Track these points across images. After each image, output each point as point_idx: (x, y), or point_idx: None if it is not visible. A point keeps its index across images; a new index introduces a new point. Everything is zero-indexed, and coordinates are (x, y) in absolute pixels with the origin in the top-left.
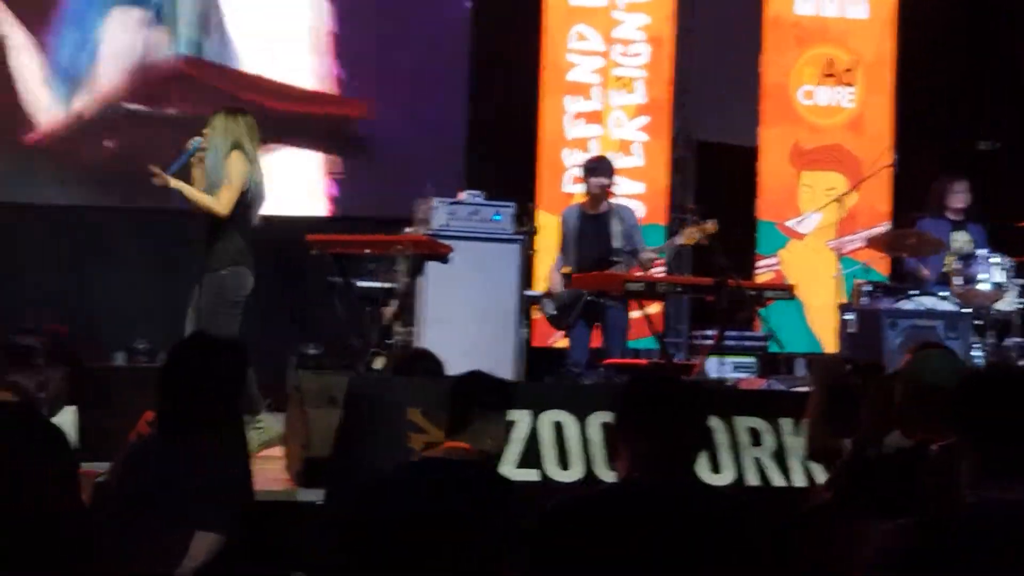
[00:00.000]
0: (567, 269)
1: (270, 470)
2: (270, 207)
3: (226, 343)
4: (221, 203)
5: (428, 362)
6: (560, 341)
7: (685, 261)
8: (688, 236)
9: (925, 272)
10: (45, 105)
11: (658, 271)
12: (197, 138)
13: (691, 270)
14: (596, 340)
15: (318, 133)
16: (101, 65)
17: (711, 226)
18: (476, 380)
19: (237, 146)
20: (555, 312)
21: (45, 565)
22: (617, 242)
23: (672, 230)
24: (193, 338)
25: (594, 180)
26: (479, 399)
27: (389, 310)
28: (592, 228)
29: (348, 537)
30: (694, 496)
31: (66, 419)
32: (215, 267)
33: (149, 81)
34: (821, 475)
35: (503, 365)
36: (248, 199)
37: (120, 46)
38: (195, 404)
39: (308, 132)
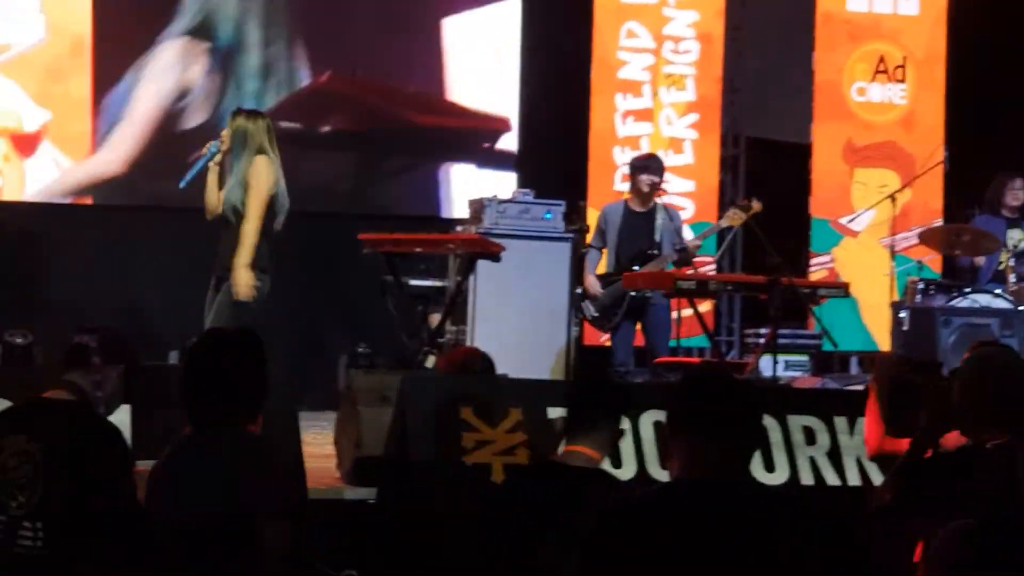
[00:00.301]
0: (602, 268)
1: (321, 469)
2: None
3: (240, 335)
4: (253, 218)
5: (480, 360)
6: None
7: (737, 259)
8: (732, 217)
9: (979, 260)
10: None
11: (708, 269)
12: (215, 142)
13: (743, 268)
14: (641, 338)
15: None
16: None
17: (756, 205)
18: (603, 384)
19: (261, 150)
20: (597, 314)
21: (102, 563)
22: (660, 238)
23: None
24: (208, 334)
25: (644, 177)
26: (606, 404)
27: (435, 317)
28: (637, 225)
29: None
30: (751, 496)
31: (122, 418)
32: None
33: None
34: (876, 474)
35: (554, 363)
36: (275, 206)
37: None
38: (219, 398)
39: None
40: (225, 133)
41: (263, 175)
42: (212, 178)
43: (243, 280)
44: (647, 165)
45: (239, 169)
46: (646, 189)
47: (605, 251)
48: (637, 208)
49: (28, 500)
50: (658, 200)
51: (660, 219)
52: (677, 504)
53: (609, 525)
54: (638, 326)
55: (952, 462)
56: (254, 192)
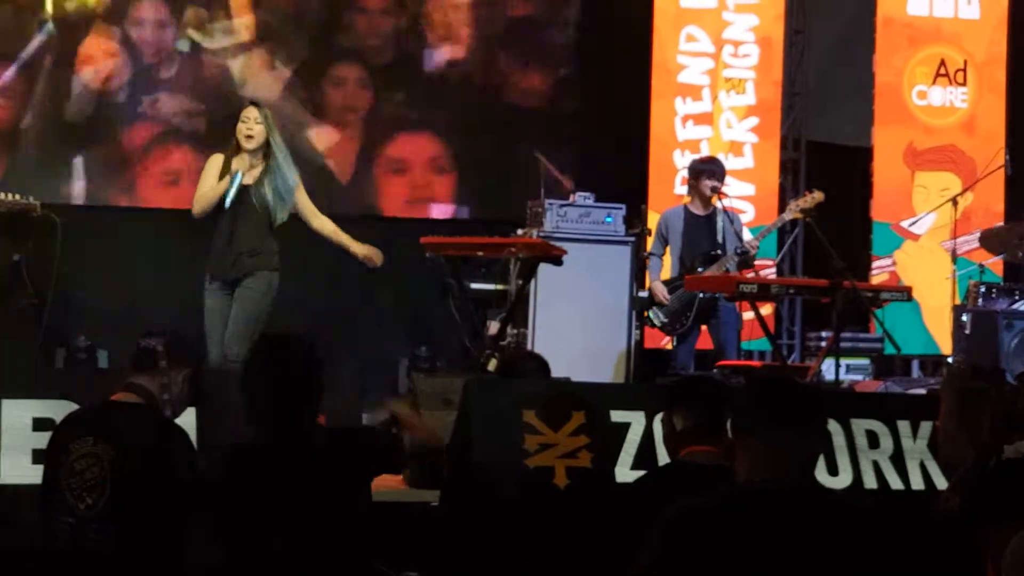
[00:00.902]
0: (664, 274)
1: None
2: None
3: (298, 338)
4: (320, 215)
5: (533, 362)
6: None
7: (798, 262)
8: (793, 210)
9: None
10: None
11: (769, 272)
12: (238, 171)
13: (804, 272)
14: (702, 341)
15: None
16: None
17: (818, 195)
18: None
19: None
20: (666, 320)
21: (167, 564)
22: (722, 240)
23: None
24: (270, 339)
25: (707, 182)
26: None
27: (495, 325)
28: (699, 228)
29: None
30: (819, 500)
31: (188, 420)
32: (271, 267)
33: None
34: (940, 478)
35: (615, 367)
36: None
37: None
38: (290, 400)
39: None
40: (253, 120)
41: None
42: (212, 172)
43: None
44: (710, 169)
45: (280, 168)
46: (708, 193)
47: (665, 257)
48: (698, 211)
49: (96, 502)
50: (718, 203)
51: (721, 221)
52: (746, 508)
53: (677, 528)
54: (702, 328)
55: (1017, 469)
56: (299, 183)
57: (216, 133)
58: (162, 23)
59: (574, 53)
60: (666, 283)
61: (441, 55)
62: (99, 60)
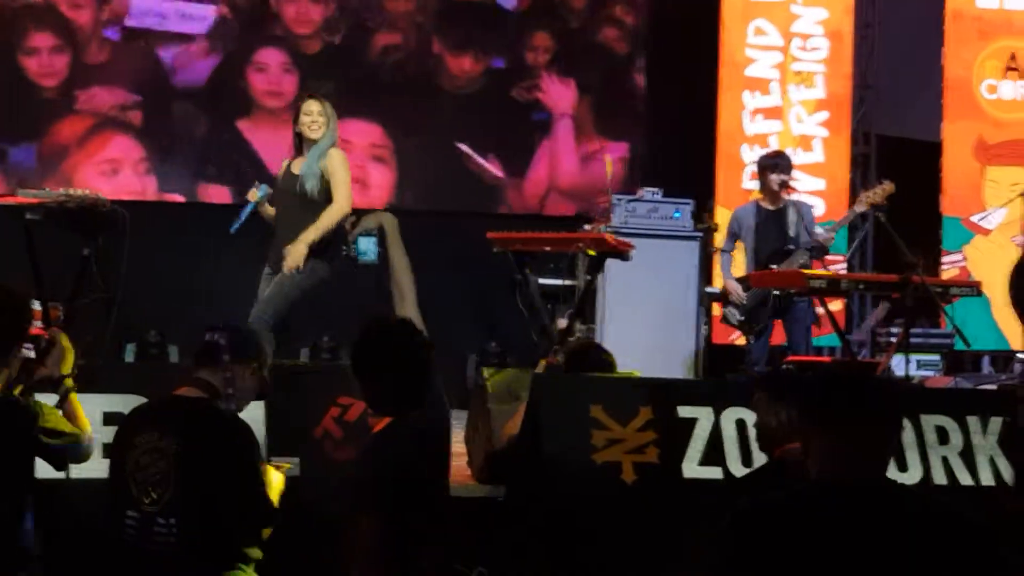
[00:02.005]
0: (737, 272)
1: (452, 466)
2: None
3: (405, 324)
4: (346, 201)
5: (598, 353)
6: (741, 339)
7: (868, 258)
8: (864, 201)
9: None
10: None
11: (840, 267)
12: (263, 186)
13: (874, 267)
14: (776, 337)
15: None
16: None
17: (888, 186)
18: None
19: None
20: (742, 318)
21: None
22: (795, 234)
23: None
24: (385, 321)
25: (774, 176)
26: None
27: (562, 322)
28: (771, 223)
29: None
30: (892, 496)
31: (256, 415)
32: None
33: None
34: (1009, 475)
35: (684, 363)
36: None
37: None
38: (410, 387)
39: None
40: (316, 113)
41: (345, 168)
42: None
43: (299, 252)
44: (776, 163)
45: (319, 156)
46: (776, 187)
47: (735, 254)
48: (769, 207)
49: (161, 496)
50: (787, 197)
51: (791, 215)
52: (820, 504)
53: (749, 524)
54: (776, 323)
55: None
56: (342, 183)
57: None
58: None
59: (641, 49)
60: (739, 280)
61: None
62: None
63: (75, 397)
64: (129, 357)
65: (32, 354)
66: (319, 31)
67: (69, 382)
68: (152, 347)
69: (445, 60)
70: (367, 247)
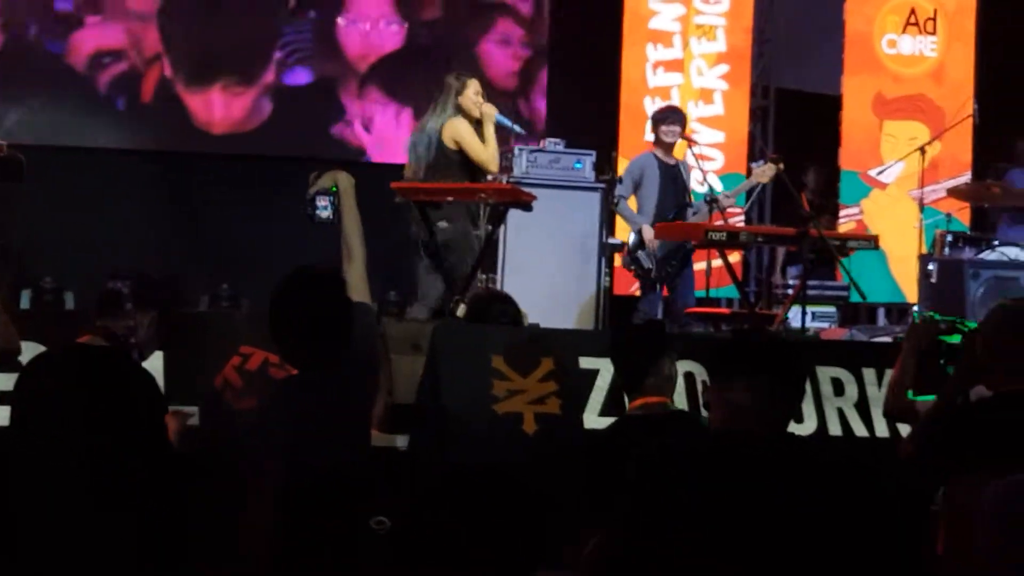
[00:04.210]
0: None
1: None
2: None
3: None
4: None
5: (504, 304)
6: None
7: (766, 211)
8: (760, 175)
9: None
10: None
11: (738, 220)
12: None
13: (772, 220)
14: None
15: None
16: None
17: (779, 165)
18: (647, 331)
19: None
20: (651, 266)
21: (133, 506)
22: (691, 188)
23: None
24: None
25: (665, 128)
26: (655, 349)
27: None
28: (669, 177)
29: None
30: (795, 447)
31: (155, 364)
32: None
33: None
34: (904, 426)
35: (584, 313)
36: None
37: None
38: (326, 338)
39: None
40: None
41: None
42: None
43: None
44: (666, 116)
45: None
46: (669, 139)
47: (631, 202)
48: (667, 160)
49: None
50: (689, 151)
51: (684, 172)
52: (722, 455)
53: (651, 469)
54: None
55: (977, 414)
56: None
57: None
58: None
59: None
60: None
61: None
62: None
63: None
64: (25, 304)
65: None
66: None
67: None
68: (47, 293)
69: None
70: (324, 205)
